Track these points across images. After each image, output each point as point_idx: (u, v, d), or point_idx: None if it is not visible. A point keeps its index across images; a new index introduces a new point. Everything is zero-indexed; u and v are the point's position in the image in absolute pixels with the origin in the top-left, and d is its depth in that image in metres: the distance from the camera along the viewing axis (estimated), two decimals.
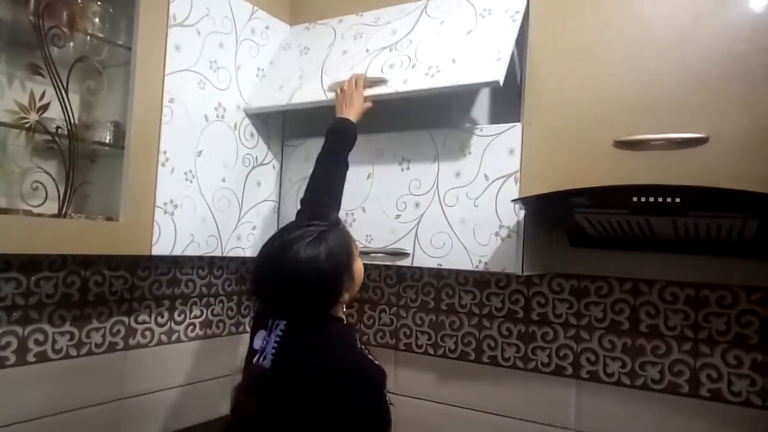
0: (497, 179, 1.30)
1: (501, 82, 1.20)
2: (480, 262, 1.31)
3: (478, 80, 1.23)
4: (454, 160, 1.36)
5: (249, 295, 1.83)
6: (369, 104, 1.36)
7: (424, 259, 1.38)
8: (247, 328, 1.81)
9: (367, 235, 1.46)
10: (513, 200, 1.24)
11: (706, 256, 1.35)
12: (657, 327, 1.40)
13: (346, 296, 1.09)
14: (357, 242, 1.17)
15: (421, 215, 1.39)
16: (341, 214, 1.49)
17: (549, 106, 1.27)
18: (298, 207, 1.29)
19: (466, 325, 1.64)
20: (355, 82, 1.36)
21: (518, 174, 1.29)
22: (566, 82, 1.25)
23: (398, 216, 1.43)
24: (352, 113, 1.34)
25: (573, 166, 1.23)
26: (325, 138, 1.33)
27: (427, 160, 1.39)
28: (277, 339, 1.03)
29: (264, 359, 1.03)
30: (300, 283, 1.01)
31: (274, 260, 1.03)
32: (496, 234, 1.30)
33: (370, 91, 1.36)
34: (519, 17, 1.28)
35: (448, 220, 1.35)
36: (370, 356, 1.06)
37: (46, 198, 1.11)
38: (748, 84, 1.08)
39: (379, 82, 1.36)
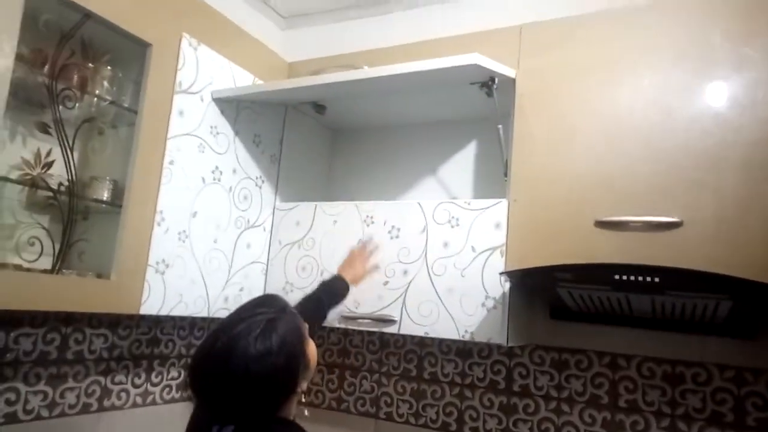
0: (484, 251, 1.35)
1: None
2: (466, 332, 1.34)
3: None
4: (443, 231, 1.41)
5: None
6: (370, 272, 1.46)
7: (411, 327, 1.40)
8: None
9: (354, 301, 1.48)
10: (501, 273, 1.28)
11: (682, 333, 1.40)
12: (635, 402, 1.43)
13: (304, 385, 1.00)
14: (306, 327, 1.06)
15: (410, 282, 1.42)
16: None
17: (534, 184, 1.34)
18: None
19: (448, 395, 1.64)
20: (366, 257, 1.46)
21: (504, 247, 1.34)
22: (550, 163, 1.33)
23: (386, 282, 1.45)
24: (351, 276, 1.42)
25: (556, 242, 1.29)
26: (318, 286, 1.39)
27: (416, 229, 1.44)
28: None
29: None
30: (253, 383, 0.90)
31: (220, 359, 0.91)
32: (483, 305, 1.33)
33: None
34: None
35: (435, 289, 1.39)
36: None
37: (41, 253, 1.11)
38: (717, 173, 1.17)
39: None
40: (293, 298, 1.35)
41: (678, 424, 1.38)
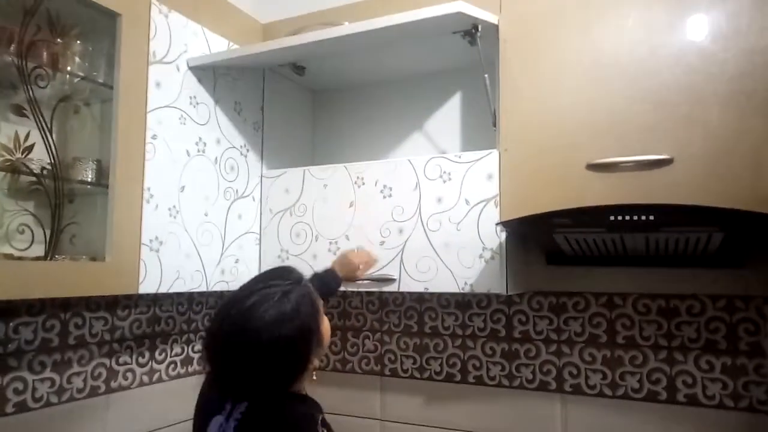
0: (478, 203, 1.36)
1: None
2: (465, 284, 1.35)
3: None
4: (435, 186, 1.40)
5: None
6: (363, 273, 1.43)
7: (410, 283, 1.41)
8: None
9: (357, 247, 1.47)
10: (498, 223, 1.29)
11: (674, 268, 1.43)
12: (633, 338, 1.47)
13: (316, 362, 1.00)
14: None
15: (405, 241, 1.42)
16: (325, 243, 1.52)
17: (523, 133, 1.33)
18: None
19: (451, 347, 1.67)
20: (366, 261, 1.43)
21: (498, 198, 1.34)
22: (538, 110, 1.32)
23: (382, 242, 1.45)
24: (344, 272, 1.38)
25: (549, 189, 1.29)
26: (311, 277, 1.28)
27: (408, 187, 1.43)
28: (235, 425, 0.93)
29: None
30: (266, 353, 0.90)
31: (233, 329, 0.91)
32: (480, 256, 1.34)
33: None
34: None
35: (432, 245, 1.39)
36: None
37: (32, 240, 1.09)
38: (704, 109, 1.17)
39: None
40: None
41: (675, 355, 1.43)
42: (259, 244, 1.63)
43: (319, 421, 0.96)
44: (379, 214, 1.46)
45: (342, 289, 1.40)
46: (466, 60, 1.59)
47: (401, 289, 1.42)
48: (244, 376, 0.92)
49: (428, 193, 1.41)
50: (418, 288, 1.40)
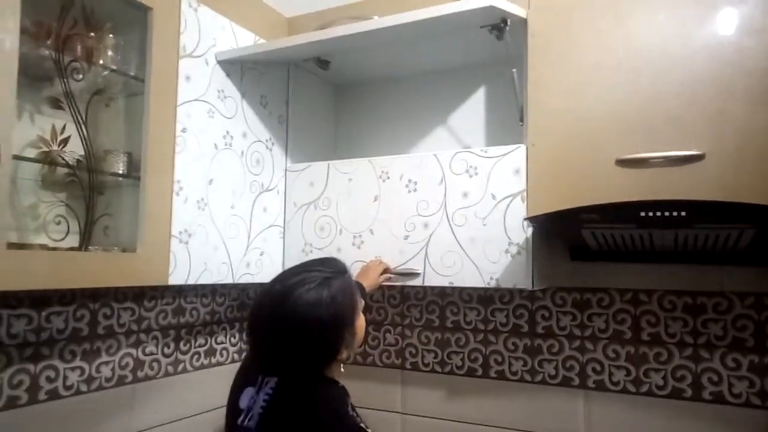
0: (504, 198, 1.35)
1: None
2: (491, 279, 1.35)
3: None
4: (461, 181, 1.40)
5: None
6: (384, 281, 1.45)
7: (434, 278, 1.41)
8: None
9: (376, 257, 1.49)
10: (525, 218, 1.29)
11: (701, 265, 1.42)
12: (658, 335, 1.46)
13: (345, 354, 1.03)
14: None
15: (430, 235, 1.42)
16: (349, 237, 1.52)
17: (551, 127, 1.33)
18: None
19: (472, 342, 1.68)
20: (383, 273, 1.44)
21: (524, 193, 1.34)
22: (567, 104, 1.31)
23: (407, 237, 1.46)
24: (366, 283, 1.39)
25: (577, 184, 1.28)
26: None
27: (433, 181, 1.43)
28: (266, 398, 0.98)
29: (250, 420, 0.98)
30: (298, 330, 0.96)
31: (272, 305, 0.98)
32: (506, 251, 1.34)
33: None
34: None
35: (457, 240, 1.39)
36: (362, 424, 1.00)
37: (68, 231, 1.10)
38: (737, 103, 1.16)
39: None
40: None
41: (700, 352, 1.42)
42: (283, 237, 1.64)
43: (349, 405, 1.01)
44: (404, 209, 1.46)
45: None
46: (490, 54, 1.59)
47: (425, 283, 1.42)
48: (276, 350, 0.97)
49: (454, 187, 1.41)
50: (442, 282, 1.40)
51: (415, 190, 1.46)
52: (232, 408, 1.04)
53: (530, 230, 1.33)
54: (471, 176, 1.39)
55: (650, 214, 1.10)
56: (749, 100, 1.16)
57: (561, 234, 1.48)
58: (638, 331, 1.48)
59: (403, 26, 1.27)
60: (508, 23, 1.33)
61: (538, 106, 1.35)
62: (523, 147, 1.35)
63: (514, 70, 1.37)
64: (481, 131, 1.71)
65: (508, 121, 1.61)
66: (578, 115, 1.30)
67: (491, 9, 1.22)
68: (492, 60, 1.63)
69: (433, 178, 1.44)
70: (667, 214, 1.09)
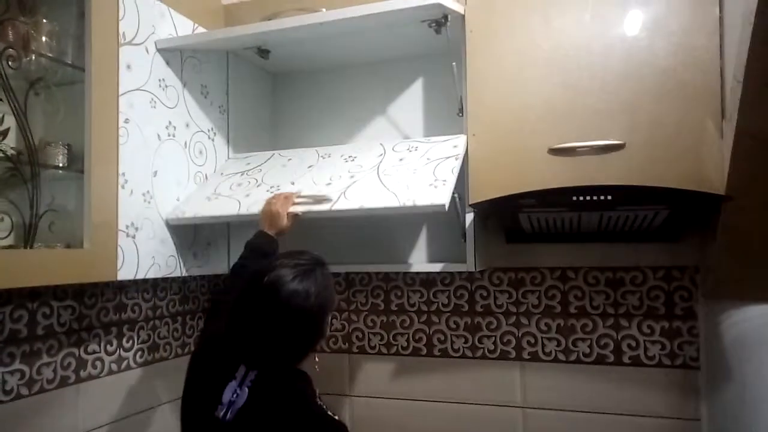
0: (438, 159, 1.37)
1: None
2: (408, 200, 1.25)
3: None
4: (400, 154, 1.43)
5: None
6: (293, 219, 1.33)
7: (345, 203, 1.30)
8: (192, 349, 1.77)
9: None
10: (470, 204, 1.37)
11: (620, 243, 1.58)
12: (584, 307, 1.61)
13: (319, 344, 1.08)
14: None
15: (354, 182, 1.36)
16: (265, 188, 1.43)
17: (489, 119, 1.41)
18: (208, 303, 1.23)
19: (416, 323, 1.76)
20: (284, 198, 1.33)
21: (459, 156, 1.37)
22: (503, 97, 1.40)
23: (329, 184, 1.38)
24: (273, 228, 1.30)
25: (514, 171, 1.38)
26: (244, 249, 1.30)
27: (372, 155, 1.44)
28: (247, 394, 1.00)
29: (229, 414, 0.99)
30: (289, 320, 0.99)
31: (261, 297, 0.99)
32: (431, 185, 1.28)
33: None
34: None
35: (381, 181, 1.33)
36: (329, 412, 1.03)
37: (12, 229, 1.05)
38: (653, 99, 1.30)
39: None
40: None
41: (621, 321, 1.58)
42: (227, 226, 1.63)
43: (317, 395, 1.04)
44: (335, 169, 1.42)
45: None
46: (427, 46, 1.65)
47: (335, 208, 1.31)
48: (264, 340, 0.99)
49: (391, 156, 1.43)
50: (352, 206, 1.29)
51: (352, 160, 1.45)
52: (209, 398, 1.02)
53: (471, 216, 1.42)
54: (410, 151, 1.44)
55: (581, 198, 1.22)
56: (659, 96, 1.29)
57: (498, 218, 1.58)
58: (567, 305, 1.63)
59: (351, 20, 1.30)
60: (449, 19, 1.40)
61: (477, 97, 1.43)
62: (463, 136, 1.43)
63: (454, 63, 1.44)
64: (420, 122, 1.77)
65: (446, 113, 1.68)
66: (514, 107, 1.40)
67: (437, 6, 1.28)
68: (429, 52, 1.69)
69: (372, 153, 1.46)
70: (595, 198, 1.21)
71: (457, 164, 1.33)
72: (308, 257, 1.06)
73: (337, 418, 1.03)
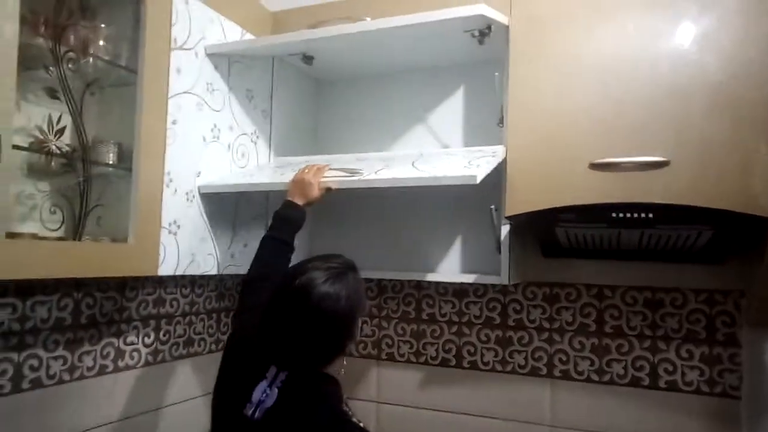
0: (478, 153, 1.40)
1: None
2: (440, 174, 1.25)
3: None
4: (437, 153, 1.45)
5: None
6: (324, 191, 1.33)
7: (375, 180, 1.31)
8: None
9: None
10: (506, 216, 1.36)
11: (661, 263, 1.53)
12: (620, 327, 1.57)
13: (348, 348, 1.08)
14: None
15: (387, 167, 1.37)
16: None
17: (530, 130, 1.39)
18: (240, 287, 1.25)
19: (447, 333, 1.75)
20: (317, 168, 1.34)
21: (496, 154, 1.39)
22: (545, 108, 1.38)
23: (359, 172, 1.36)
24: (302, 198, 1.31)
25: (553, 184, 1.36)
26: (272, 221, 1.31)
27: (409, 159, 1.45)
28: (277, 392, 1.02)
29: (257, 413, 1.01)
30: (319, 321, 1.00)
31: (294, 299, 1.01)
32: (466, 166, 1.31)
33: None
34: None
35: (415, 167, 1.35)
36: (354, 418, 1.06)
37: (63, 222, 1.10)
38: (697, 115, 1.26)
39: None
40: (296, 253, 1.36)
41: (658, 344, 1.53)
42: (266, 228, 1.66)
43: (344, 400, 1.04)
44: (370, 163, 1.44)
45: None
46: (470, 56, 1.65)
47: (366, 178, 1.32)
48: (295, 342, 1.01)
49: (427, 157, 1.45)
50: (383, 177, 1.30)
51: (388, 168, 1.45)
52: (240, 396, 1.04)
53: (507, 227, 1.41)
54: (448, 155, 1.45)
55: (620, 215, 1.19)
56: (709, 112, 1.26)
57: (535, 231, 1.56)
58: (602, 324, 1.59)
59: (394, 29, 1.31)
60: (492, 29, 1.39)
61: (518, 108, 1.42)
62: (502, 147, 1.42)
63: (496, 73, 1.44)
64: (459, 131, 1.77)
65: (486, 123, 1.67)
66: (555, 119, 1.38)
67: (481, 17, 1.28)
68: (471, 62, 1.69)
69: (405, 164, 1.45)
70: (635, 215, 1.19)
71: (494, 161, 1.32)
72: (340, 261, 1.07)
73: (362, 424, 1.03)
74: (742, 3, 1.24)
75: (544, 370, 1.63)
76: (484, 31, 1.39)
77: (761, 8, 1.22)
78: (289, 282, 1.02)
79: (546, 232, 1.47)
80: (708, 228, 1.23)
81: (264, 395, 1.01)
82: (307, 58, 1.70)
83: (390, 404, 1.79)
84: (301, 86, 1.88)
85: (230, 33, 1.52)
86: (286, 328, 1.02)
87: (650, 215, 1.18)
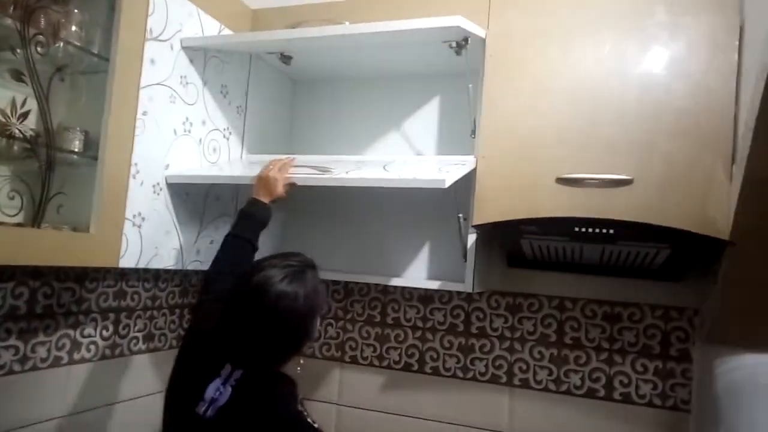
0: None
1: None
2: (410, 176, 1.28)
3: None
4: (408, 161, 1.46)
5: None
6: (288, 188, 1.32)
7: (345, 176, 1.32)
8: None
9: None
10: (473, 225, 1.38)
11: (621, 278, 1.57)
12: (579, 339, 1.61)
13: (305, 348, 1.09)
14: None
15: (358, 168, 1.38)
16: None
17: (500, 143, 1.43)
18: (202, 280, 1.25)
19: (411, 338, 1.76)
20: (282, 163, 1.34)
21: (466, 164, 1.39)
22: (516, 122, 1.42)
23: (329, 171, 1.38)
24: (267, 195, 1.30)
25: (520, 197, 1.39)
26: (236, 218, 1.31)
27: (377, 168, 1.43)
28: (231, 391, 1.00)
29: (209, 411, 1.00)
30: (276, 320, 0.99)
31: (251, 296, 1.00)
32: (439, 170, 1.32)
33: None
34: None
35: (386, 170, 1.36)
36: (309, 419, 1.04)
37: (22, 207, 1.08)
38: (666, 137, 1.30)
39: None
40: (263, 251, 1.35)
41: (614, 356, 1.57)
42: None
43: (299, 400, 1.05)
44: (342, 165, 1.45)
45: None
46: (447, 66, 1.66)
47: (335, 176, 1.34)
48: (250, 340, 1.00)
49: (399, 162, 1.46)
50: (352, 177, 1.32)
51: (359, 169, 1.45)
52: (193, 393, 1.02)
53: (473, 237, 1.43)
54: (420, 162, 1.46)
55: (583, 229, 1.22)
56: (673, 135, 1.30)
57: (501, 242, 1.58)
58: (562, 335, 1.62)
59: (372, 35, 1.32)
60: (469, 41, 1.42)
61: (490, 120, 1.45)
62: (473, 158, 1.44)
63: (470, 85, 1.46)
64: (433, 140, 1.79)
65: (459, 133, 1.68)
66: (526, 133, 1.41)
67: (457, 29, 1.30)
68: (447, 72, 1.71)
69: (381, 161, 1.48)
70: (597, 230, 1.22)
71: (464, 169, 1.34)
72: (299, 259, 1.07)
73: (317, 425, 1.03)
74: (710, 34, 1.29)
75: (504, 378, 1.65)
76: (461, 42, 1.41)
77: (728, 41, 1.27)
78: (247, 280, 1.01)
79: (511, 243, 1.49)
80: (666, 246, 1.27)
81: (217, 393, 1.00)
82: (285, 58, 1.69)
83: (351, 407, 1.79)
84: (278, 85, 1.87)
85: (208, 27, 1.50)
86: (242, 326, 1.01)
87: (611, 231, 1.21)
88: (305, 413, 1.04)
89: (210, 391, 1.01)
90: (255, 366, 1.02)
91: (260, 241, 1.32)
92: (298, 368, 1.11)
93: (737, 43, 1.26)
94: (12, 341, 1.28)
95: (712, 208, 1.25)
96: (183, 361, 1.13)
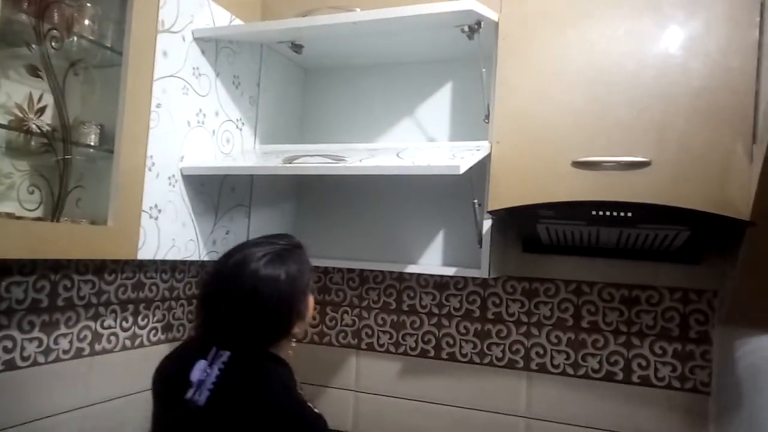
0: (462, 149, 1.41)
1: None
2: (424, 163, 1.27)
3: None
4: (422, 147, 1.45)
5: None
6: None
7: (359, 165, 1.33)
8: None
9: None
10: (488, 211, 1.37)
11: (639, 261, 1.56)
12: (596, 323, 1.60)
13: (296, 330, 1.04)
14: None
15: (372, 156, 1.39)
16: None
17: (515, 127, 1.41)
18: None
19: (426, 325, 1.77)
20: None
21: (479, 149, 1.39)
22: (531, 106, 1.40)
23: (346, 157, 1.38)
24: None
25: (536, 181, 1.38)
26: None
27: (390, 155, 1.43)
28: (218, 374, 0.96)
29: (199, 395, 0.95)
30: (256, 304, 0.96)
31: (231, 274, 0.98)
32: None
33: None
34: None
35: (400, 157, 1.37)
36: (309, 403, 0.98)
37: (41, 202, 1.09)
38: (683, 118, 1.28)
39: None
40: None
41: (632, 340, 1.57)
42: (248, 216, 1.66)
43: (297, 384, 1.02)
44: (355, 153, 1.45)
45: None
46: (459, 52, 1.65)
47: (350, 164, 1.34)
48: (230, 321, 0.97)
49: (412, 149, 1.46)
50: (366, 165, 1.33)
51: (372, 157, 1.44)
52: (177, 380, 0.98)
53: (489, 222, 1.42)
54: (433, 149, 1.46)
55: (600, 213, 1.21)
56: (691, 116, 1.28)
57: (516, 227, 1.58)
58: (579, 319, 1.62)
59: (385, 21, 1.31)
60: (482, 25, 1.40)
61: (504, 105, 1.43)
62: (487, 143, 1.43)
63: (483, 69, 1.44)
64: (446, 126, 1.78)
65: (472, 118, 1.68)
66: (541, 117, 1.39)
67: (470, 12, 1.28)
68: (460, 57, 1.69)
69: (394, 147, 1.49)
70: (615, 214, 1.21)
71: (479, 154, 1.33)
72: (284, 240, 1.04)
73: (316, 410, 0.98)
74: (728, 11, 1.26)
75: (521, 363, 1.66)
76: (474, 26, 1.40)
77: (747, 18, 1.24)
78: (226, 259, 1.00)
79: (527, 228, 1.48)
80: (685, 228, 1.25)
81: (204, 375, 0.95)
82: (296, 47, 1.68)
83: (368, 393, 1.80)
84: (289, 74, 1.86)
85: (219, 18, 1.50)
86: (222, 307, 0.98)
87: (629, 214, 1.20)
88: (305, 397, 0.99)
89: (196, 373, 0.95)
90: (240, 348, 0.98)
91: (274, 231, 1.32)
92: (290, 351, 1.08)
93: (758, 19, 1.23)
94: (36, 333, 1.30)
95: (732, 188, 1.23)
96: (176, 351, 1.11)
